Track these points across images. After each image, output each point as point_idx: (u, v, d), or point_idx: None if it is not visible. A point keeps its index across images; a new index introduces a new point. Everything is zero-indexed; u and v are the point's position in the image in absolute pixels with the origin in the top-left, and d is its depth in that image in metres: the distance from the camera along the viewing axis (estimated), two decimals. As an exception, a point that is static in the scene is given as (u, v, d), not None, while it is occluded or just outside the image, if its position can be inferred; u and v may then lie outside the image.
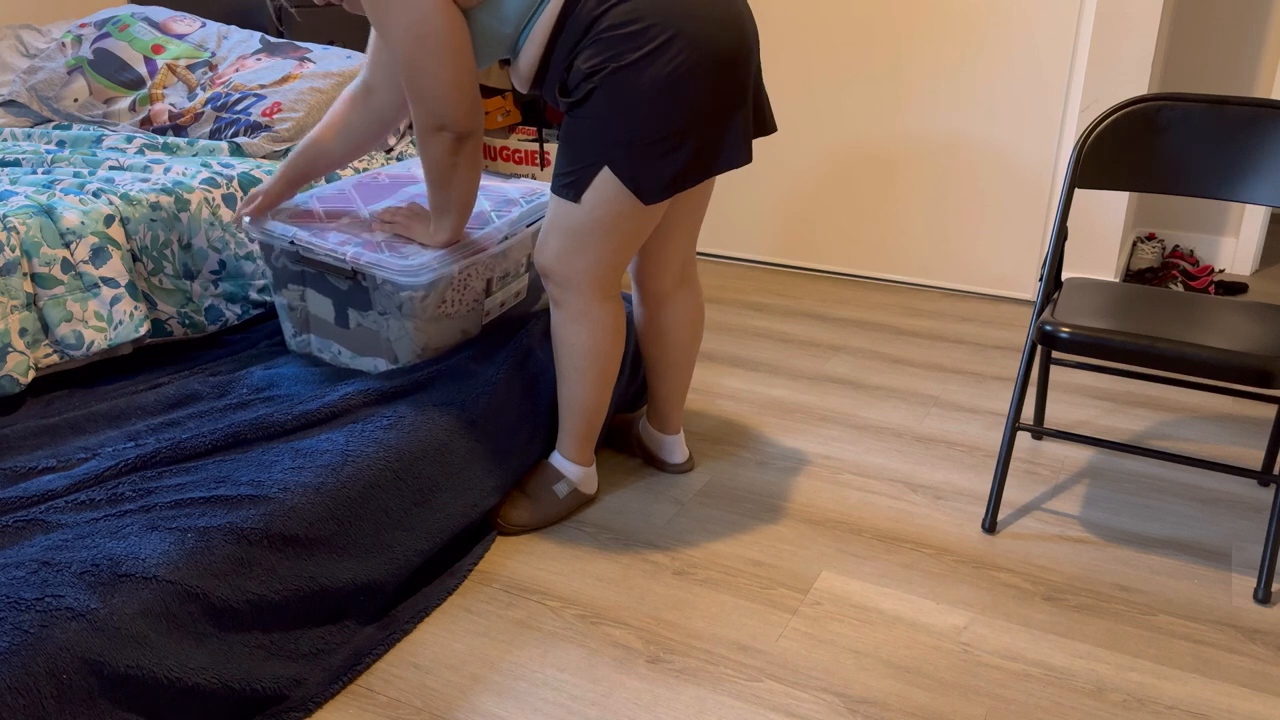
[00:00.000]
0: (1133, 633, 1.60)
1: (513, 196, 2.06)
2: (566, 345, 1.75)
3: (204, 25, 2.81)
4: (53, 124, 2.63)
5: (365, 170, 2.50)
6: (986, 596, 1.69)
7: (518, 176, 2.26)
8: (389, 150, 2.64)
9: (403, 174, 2.14)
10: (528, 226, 1.98)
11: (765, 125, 1.72)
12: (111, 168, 2.21)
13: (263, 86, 2.52)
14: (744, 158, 1.64)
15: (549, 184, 2.12)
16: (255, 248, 2.11)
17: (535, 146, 3.61)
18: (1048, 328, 1.72)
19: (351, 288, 1.82)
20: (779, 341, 2.81)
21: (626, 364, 2.11)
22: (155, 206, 1.96)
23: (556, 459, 1.88)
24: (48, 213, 1.81)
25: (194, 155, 2.37)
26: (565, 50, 1.56)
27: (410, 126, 2.76)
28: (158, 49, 2.70)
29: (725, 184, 3.53)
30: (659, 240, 1.82)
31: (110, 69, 2.65)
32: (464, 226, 1.77)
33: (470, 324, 1.91)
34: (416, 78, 1.55)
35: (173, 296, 1.98)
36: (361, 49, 3.16)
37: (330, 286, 1.86)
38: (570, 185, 1.62)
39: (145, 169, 2.19)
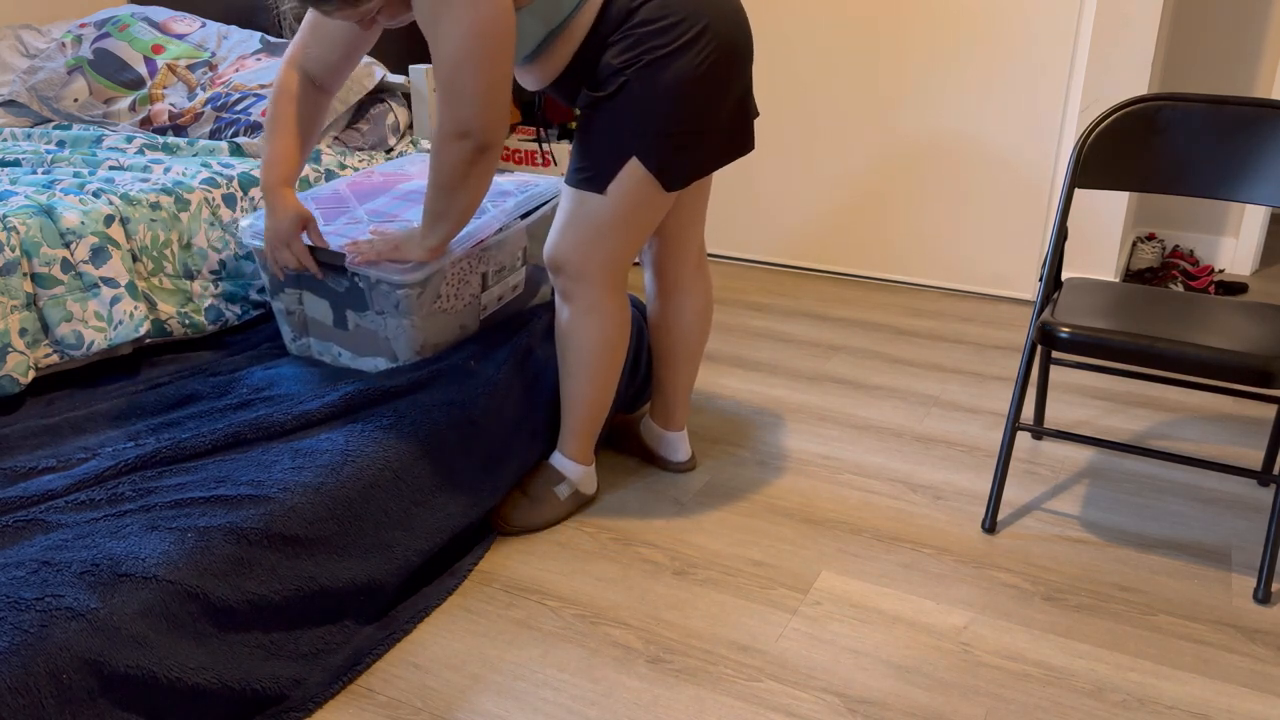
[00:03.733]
0: (1133, 633, 1.60)
1: (506, 189, 2.06)
2: (575, 340, 1.76)
3: (204, 25, 2.81)
4: (53, 124, 2.63)
5: (361, 169, 2.50)
6: (986, 596, 1.69)
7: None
8: (389, 150, 2.64)
9: (394, 173, 2.14)
10: (522, 218, 1.98)
11: (755, 111, 1.80)
12: (111, 168, 2.21)
13: (263, 86, 2.52)
14: (751, 144, 1.75)
15: (543, 177, 2.13)
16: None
17: (535, 146, 3.61)
18: (1048, 327, 1.72)
19: (348, 288, 1.83)
20: (779, 341, 2.81)
21: (626, 365, 2.11)
22: (155, 206, 1.96)
23: (558, 459, 1.88)
24: (48, 213, 1.81)
25: (194, 155, 2.37)
26: (594, 45, 1.58)
27: (411, 126, 2.75)
28: (158, 49, 2.70)
29: (727, 185, 3.53)
30: (679, 226, 1.86)
31: (110, 69, 2.65)
32: (455, 236, 1.72)
33: (468, 319, 1.92)
34: (458, 79, 1.50)
35: (173, 296, 1.98)
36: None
37: (327, 289, 1.86)
38: (593, 178, 1.64)
39: (145, 169, 2.19)
